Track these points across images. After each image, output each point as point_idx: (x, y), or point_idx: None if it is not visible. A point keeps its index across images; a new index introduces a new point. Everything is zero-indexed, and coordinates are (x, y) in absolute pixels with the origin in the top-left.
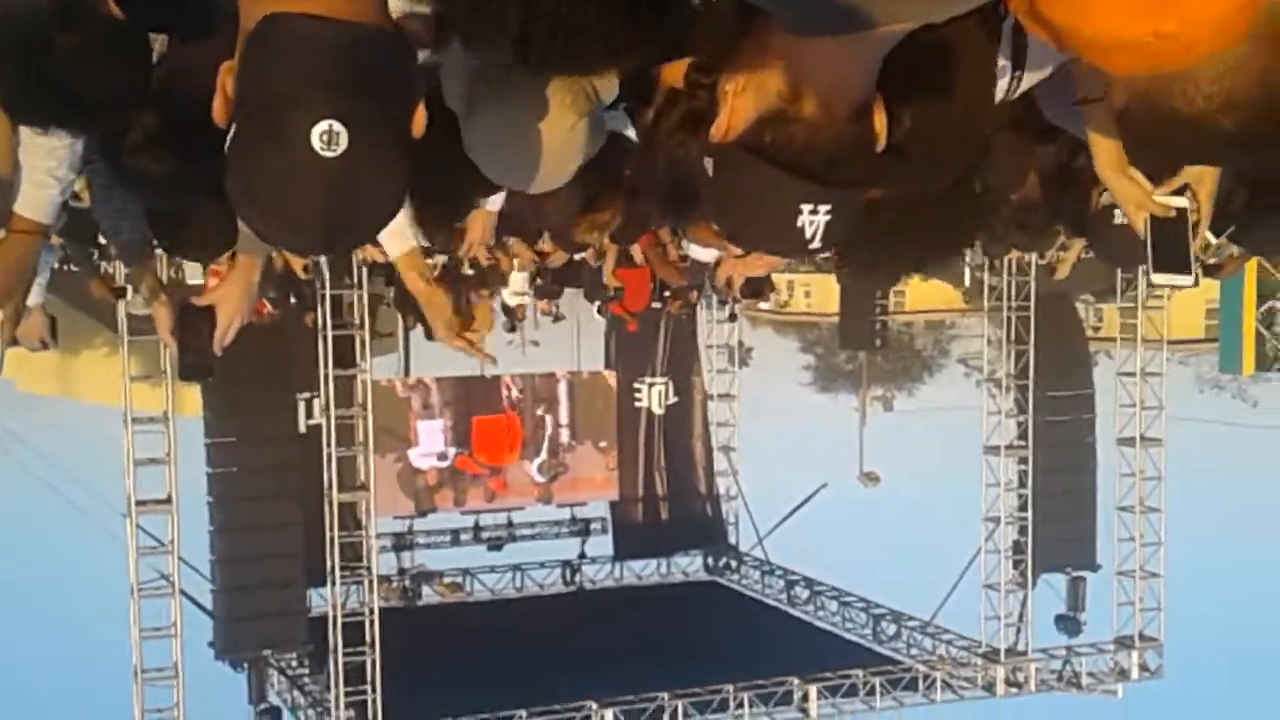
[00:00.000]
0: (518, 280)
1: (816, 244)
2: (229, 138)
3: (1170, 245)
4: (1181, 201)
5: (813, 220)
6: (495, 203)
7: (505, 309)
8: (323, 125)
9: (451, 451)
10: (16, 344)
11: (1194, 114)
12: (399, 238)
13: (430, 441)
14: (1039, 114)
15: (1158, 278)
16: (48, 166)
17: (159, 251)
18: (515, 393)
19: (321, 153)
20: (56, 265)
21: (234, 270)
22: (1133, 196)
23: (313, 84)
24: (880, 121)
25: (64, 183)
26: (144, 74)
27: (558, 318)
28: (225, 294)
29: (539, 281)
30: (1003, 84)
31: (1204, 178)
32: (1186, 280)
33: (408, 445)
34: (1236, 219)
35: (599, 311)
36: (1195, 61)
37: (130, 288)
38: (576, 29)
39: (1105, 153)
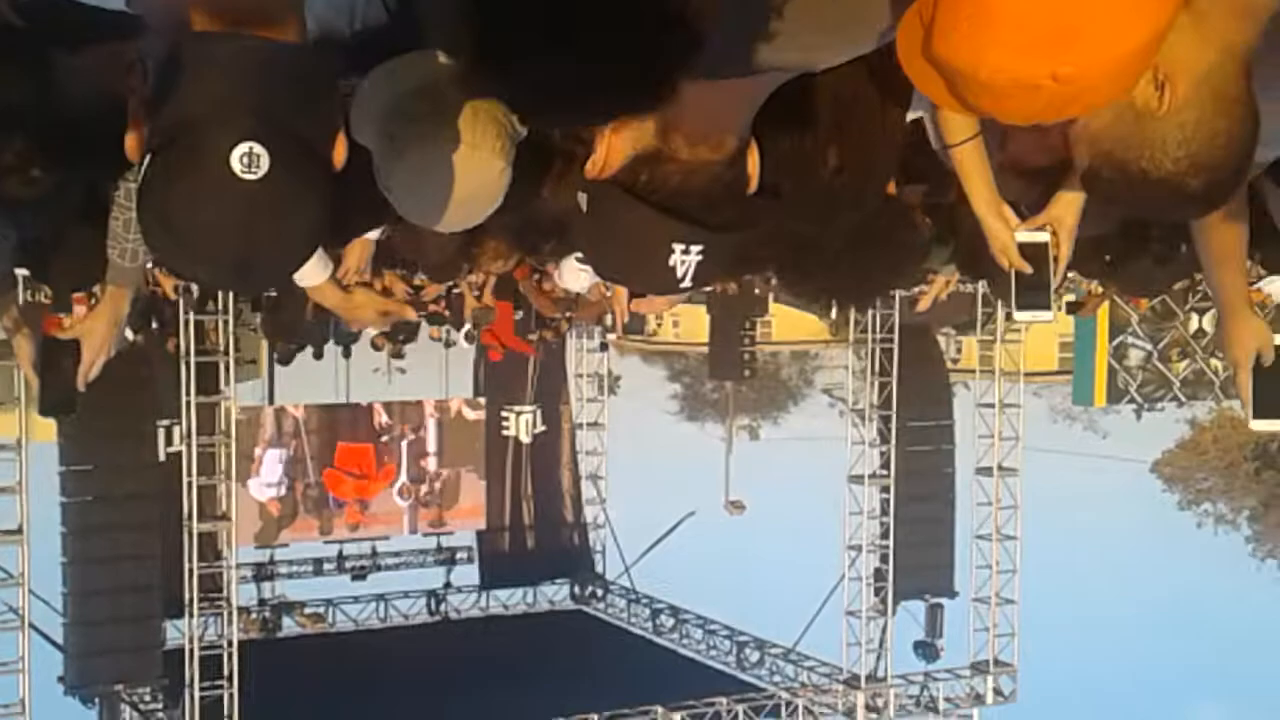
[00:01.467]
0: None
1: (687, 283)
2: (143, 168)
3: (1032, 282)
4: (1044, 237)
5: (684, 260)
6: (374, 231)
7: (372, 341)
8: (243, 147)
9: (312, 478)
10: None
11: (1162, 176)
12: (312, 274)
13: (272, 471)
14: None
15: (1020, 315)
16: None
17: (20, 278)
18: (383, 419)
19: (242, 175)
20: None
21: (102, 303)
22: (1000, 239)
23: (233, 104)
24: (754, 164)
25: None
26: (41, 88)
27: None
28: (91, 327)
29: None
30: None
31: (1065, 217)
32: (1046, 316)
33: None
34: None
35: (466, 338)
36: (1083, 112)
37: None
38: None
39: (980, 193)
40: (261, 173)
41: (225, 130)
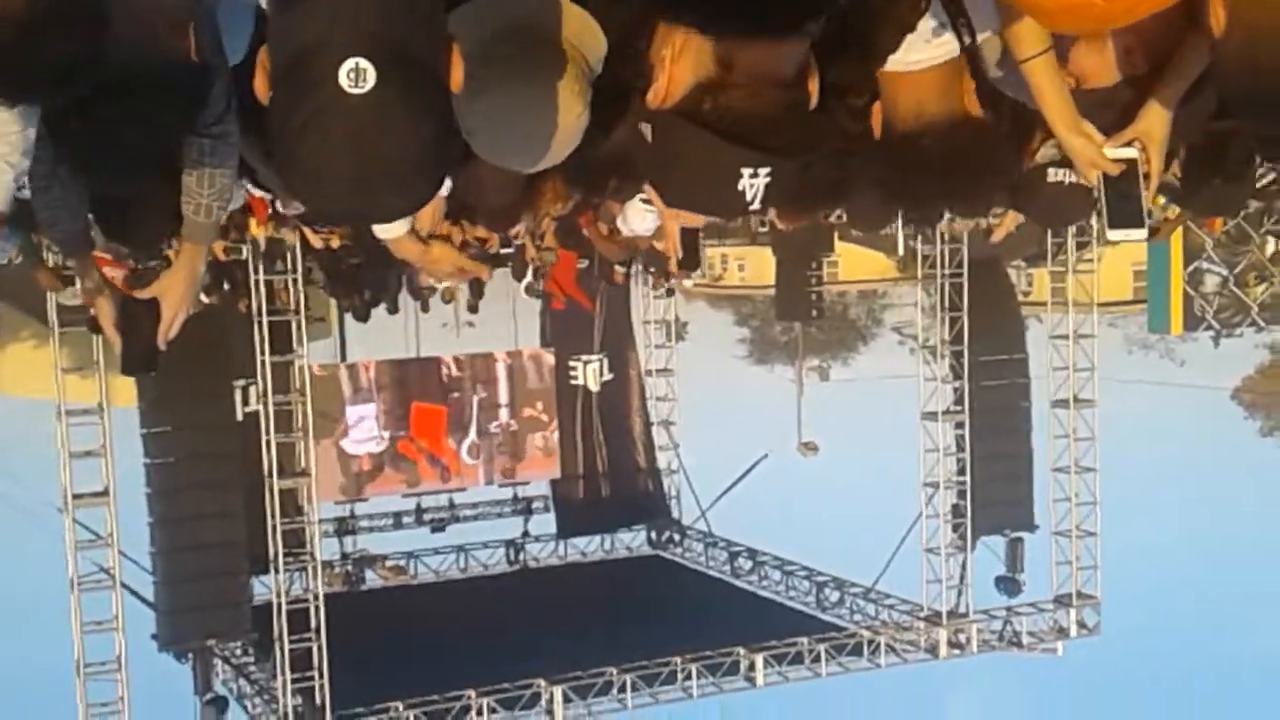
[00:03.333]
0: None
1: (756, 205)
2: (270, 103)
3: (1123, 200)
4: (1132, 153)
5: (753, 184)
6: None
7: (442, 295)
8: (349, 63)
9: (387, 435)
10: None
11: None
12: (392, 225)
13: (363, 426)
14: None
15: (1113, 233)
16: (1, 152)
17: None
18: (454, 372)
19: (349, 90)
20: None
21: (178, 260)
22: (1086, 153)
23: (338, 25)
24: (814, 85)
25: (18, 169)
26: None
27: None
28: (169, 285)
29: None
30: (950, 45)
31: (1153, 132)
32: (1140, 234)
33: (343, 430)
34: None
35: (526, 291)
36: (1134, 19)
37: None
38: None
39: (1058, 109)
40: (369, 86)
41: (331, 49)
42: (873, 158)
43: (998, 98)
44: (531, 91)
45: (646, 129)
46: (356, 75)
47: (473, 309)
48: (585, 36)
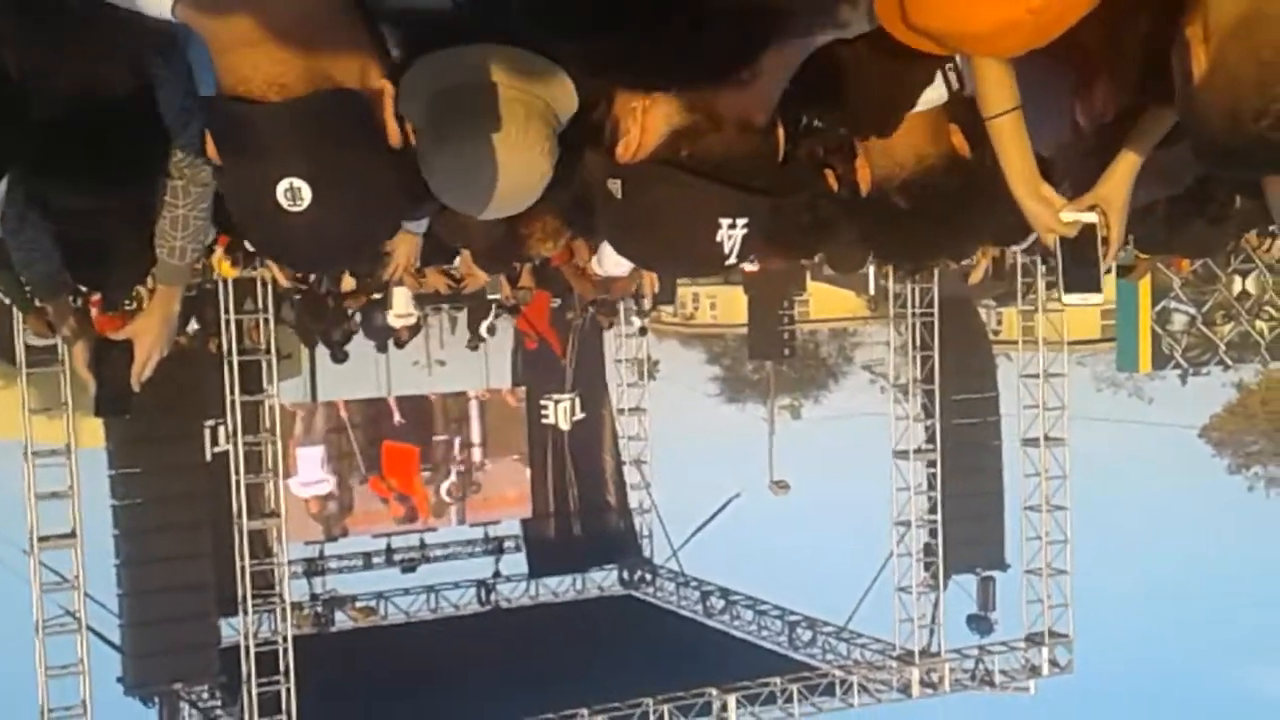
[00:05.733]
0: (402, 301)
1: (733, 259)
2: (221, 178)
3: (1080, 265)
4: (1091, 218)
5: (730, 235)
6: (420, 225)
7: (384, 330)
8: (285, 183)
9: (332, 479)
10: None
11: None
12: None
13: (309, 469)
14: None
15: (1068, 298)
16: None
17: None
18: (425, 411)
19: (287, 208)
20: None
21: (153, 302)
22: (1043, 218)
23: (275, 139)
24: (780, 135)
25: None
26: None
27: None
28: (144, 327)
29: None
30: (938, 91)
31: (1113, 198)
32: (1096, 299)
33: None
34: (1158, 227)
35: (488, 331)
36: (1067, 25)
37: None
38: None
39: (1018, 170)
40: (304, 204)
41: (268, 162)
42: (857, 211)
43: (984, 138)
44: (490, 148)
45: (615, 185)
46: (293, 195)
47: (473, 348)
48: (555, 91)
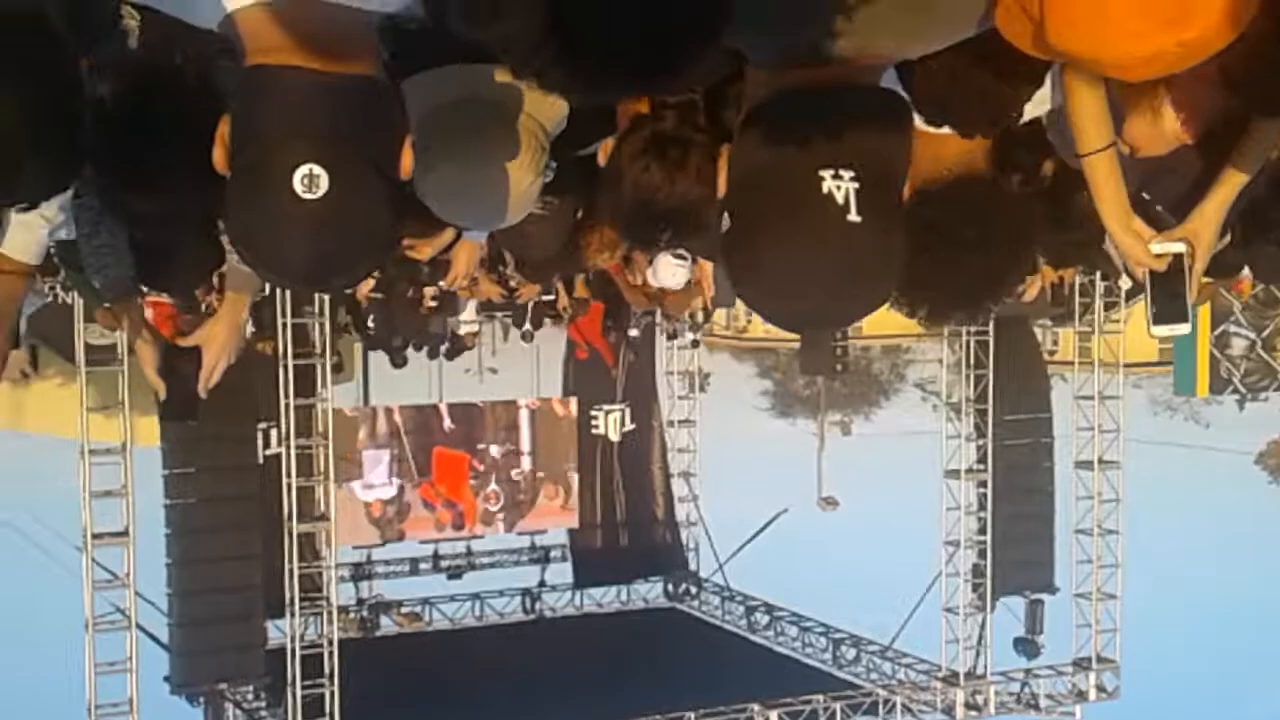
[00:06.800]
0: (469, 309)
1: (854, 214)
2: (228, 185)
3: (1168, 298)
4: (1179, 248)
5: (839, 185)
6: (480, 234)
7: (454, 337)
8: (303, 169)
9: (396, 483)
10: None
11: None
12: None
13: (376, 472)
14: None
15: (1157, 329)
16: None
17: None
18: (476, 419)
19: (303, 195)
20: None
21: (222, 309)
22: (1134, 252)
23: (295, 127)
24: None
25: (53, 223)
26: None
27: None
28: (212, 334)
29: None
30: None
31: (1201, 234)
32: (1184, 329)
33: (357, 476)
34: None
35: (524, 338)
36: (1208, 55)
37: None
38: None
39: (1112, 206)
40: (321, 192)
41: (286, 151)
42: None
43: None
44: (477, 165)
45: (722, 182)
46: (310, 181)
47: (529, 338)
48: (540, 104)
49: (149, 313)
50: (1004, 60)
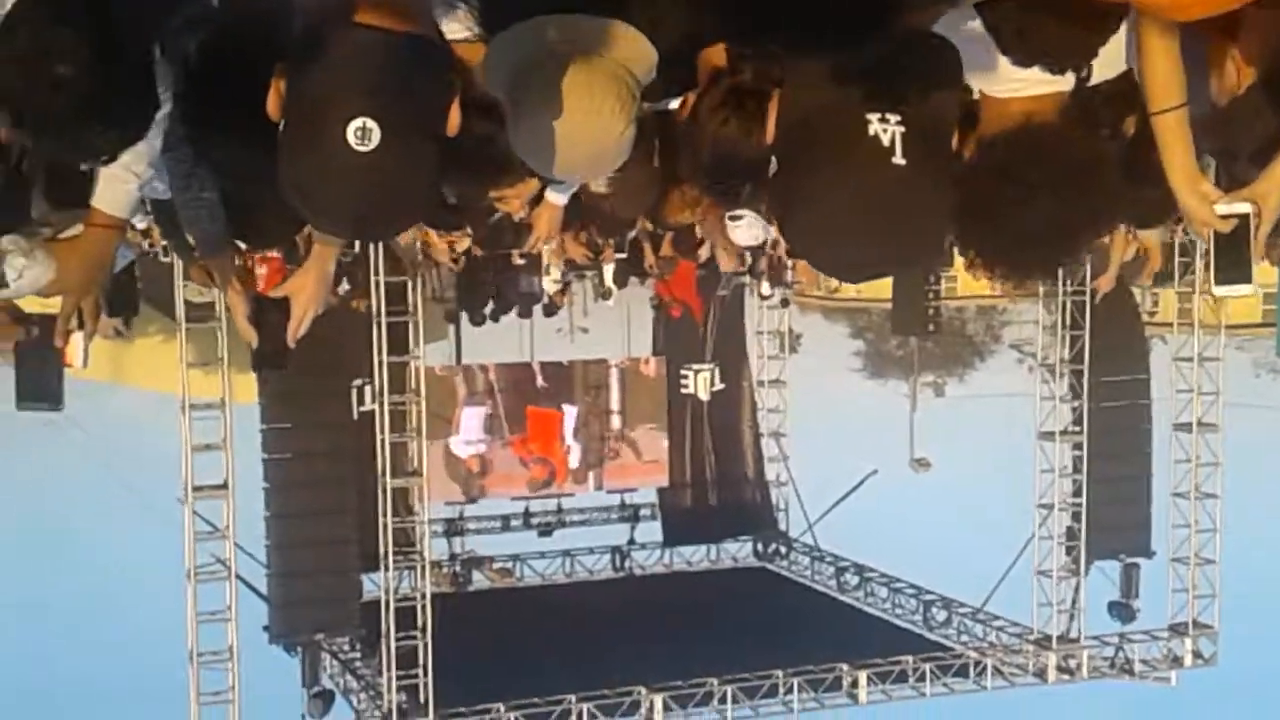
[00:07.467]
0: (555, 269)
1: (899, 157)
2: (280, 130)
3: (1232, 258)
4: (1245, 208)
5: (885, 128)
6: (562, 197)
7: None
8: (357, 122)
9: (489, 439)
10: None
11: None
12: None
13: (471, 428)
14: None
15: (1219, 289)
16: (125, 162)
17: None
18: (567, 378)
19: (356, 147)
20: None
21: (309, 261)
22: (1200, 213)
23: (350, 81)
24: None
25: (142, 178)
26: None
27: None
28: (301, 284)
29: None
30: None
31: (1270, 197)
32: (1246, 290)
33: (454, 432)
34: None
35: (603, 296)
36: None
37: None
38: None
39: (1181, 166)
40: (373, 144)
41: (342, 104)
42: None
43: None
44: (572, 115)
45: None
46: (363, 134)
47: (606, 295)
48: (630, 52)
49: (261, 269)
50: (1076, 2)
